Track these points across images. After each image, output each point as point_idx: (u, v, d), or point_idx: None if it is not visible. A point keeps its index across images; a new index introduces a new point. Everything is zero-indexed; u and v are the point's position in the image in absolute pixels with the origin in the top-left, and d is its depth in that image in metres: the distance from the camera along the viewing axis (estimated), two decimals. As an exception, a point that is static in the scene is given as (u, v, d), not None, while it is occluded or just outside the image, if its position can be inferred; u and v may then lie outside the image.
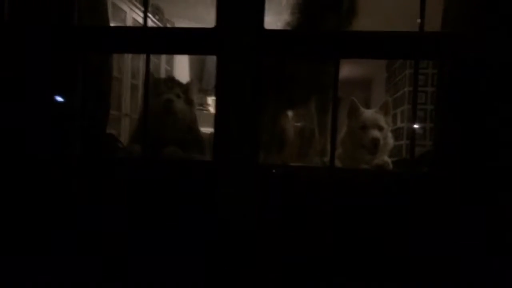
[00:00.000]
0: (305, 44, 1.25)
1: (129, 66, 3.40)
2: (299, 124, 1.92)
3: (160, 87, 1.73)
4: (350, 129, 1.63)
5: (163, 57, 4.06)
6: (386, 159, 1.52)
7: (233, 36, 1.23)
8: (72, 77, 1.32)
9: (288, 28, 1.45)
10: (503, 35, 1.16)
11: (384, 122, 1.61)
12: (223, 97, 1.25)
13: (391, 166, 1.50)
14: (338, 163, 1.53)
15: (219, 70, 1.25)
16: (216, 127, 1.26)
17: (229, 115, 1.25)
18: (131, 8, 3.49)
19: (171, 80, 1.79)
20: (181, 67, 4.45)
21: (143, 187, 1.29)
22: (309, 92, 1.54)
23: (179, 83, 1.79)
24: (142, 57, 3.63)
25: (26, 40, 1.27)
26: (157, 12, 3.92)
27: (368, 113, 1.63)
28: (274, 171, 1.31)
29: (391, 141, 1.67)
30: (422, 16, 1.19)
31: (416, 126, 1.32)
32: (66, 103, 1.39)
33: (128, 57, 3.37)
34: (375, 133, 1.57)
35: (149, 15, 3.79)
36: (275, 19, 1.39)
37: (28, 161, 1.29)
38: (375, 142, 1.55)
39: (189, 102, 1.78)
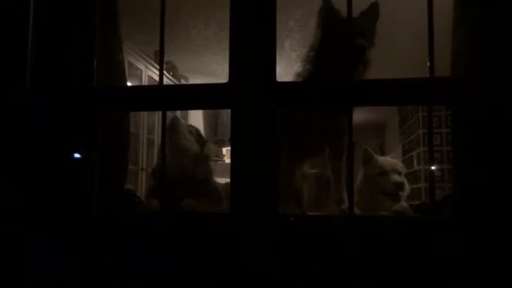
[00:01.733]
0: (318, 94, 1.27)
1: (145, 122, 3.48)
2: (314, 171, 1.92)
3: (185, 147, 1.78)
4: (366, 177, 1.63)
5: (178, 112, 4.16)
6: (405, 205, 1.50)
7: (246, 90, 1.26)
8: (91, 136, 1.35)
9: (299, 79, 1.48)
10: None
11: (402, 167, 1.62)
12: (238, 149, 1.27)
13: (410, 211, 1.47)
14: (356, 211, 1.50)
15: (233, 123, 1.28)
16: (232, 179, 1.27)
17: (245, 166, 1.26)
18: (146, 67, 3.63)
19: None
20: (196, 119, 4.55)
21: (162, 242, 1.29)
22: (323, 141, 1.54)
23: (198, 131, 1.85)
24: (158, 112, 3.74)
25: (46, 104, 1.33)
26: (172, 68, 4.06)
27: (385, 159, 1.64)
28: (291, 219, 1.29)
29: (407, 186, 1.66)
30: (431, 61, 1.20)
31: (433, 168, 1.31)
32: (86, 161, 1.42)
33: (143, 113, 3.47)
34: (397, 177, 1.57)
35: (164, 72, 3.93)
36: (286, 71, 1.43)
37: (49, 219, 1.31)
38: (399, 186, 1.54)
39: (205, 157, 1.82)
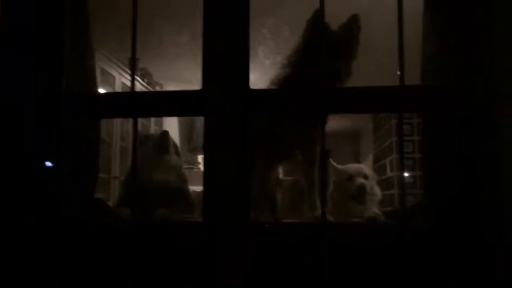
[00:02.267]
0: (291, 102, 1.27)
1: (118, 129, 3.42)
2: (289, 178, 1.92)
3: (152, 138, 1.74)
4: (336, 184, 1.70)
5: (152, 119, 4.11)
6: (377, 211, 1.51)
7: (219, 97, 1.25)
8: (59, 143, 1.32)
9: (273, 86, 1.48)
10: (479, 86, 1.20)
11: (369, 172, 1.68)
12: (211, 156, 1.26)
13: (382, 218, 1.49)
14: (329, 217, 1.51)
15: (206, 130, 1.26)
16: (205, 187, 1.25)
17: (218, 174, 1.25)
18: (120, 73, 3.58)
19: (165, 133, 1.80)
20: (170, 127, 4.50)
21: (132, 251, 1.26)
22: (295, 147, 1.55)
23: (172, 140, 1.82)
24: (131, 120, 3.68)
25: (13, 110, 1.29)
26: (146, 75, 4.02)
27: (352, 165, 1.72)
28: (267, 225, 1.29)
29: (378, 192, 1.72)
30: (401, 69, 1.22)
31: (406, 174, 1.32)
32: (54, 168, 1.38)
33: (117, 120, 3.41)
34: (361, 180, 1.64)
35: (138, 78, 3.88)
36: (259, 78, 1.43)
37: (15, 226, 1.26)
38: (362, 188, 1.61)
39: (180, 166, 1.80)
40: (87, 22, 1.49)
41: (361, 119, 6.41)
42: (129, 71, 3.67)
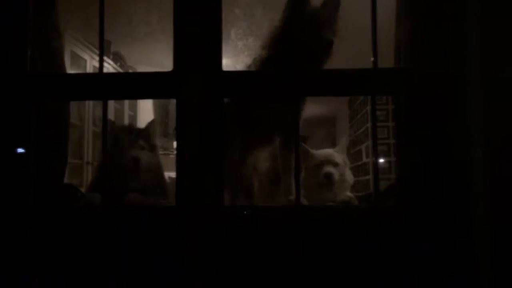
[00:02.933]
0: (264, 84, 1.26)
1: (90, 113, 3.34)
2: (267, 164, 1.91)
3: (122, 139, 1.68)
4: (306, 170, 1.67)
5: (126, 103, 4.03)
6: (350, 194, 1.52)
7: (191, 79, 1.22)
8: (25, 126, 1.27)
9: (255, 66, 1.46)
10: (452, 70, 1.20)
11: (340, 159, 1.66)
12: (183, 140, 1.23)
13: (356, 201, 1.50)
14: (303, 201, 1.51)
15: (178, 112, 1.24)
16: (178, 170, 1.23)
17: (191, 158, 1.22)
18: (91, 56, 3.48)
19: (131, 130, 1.74)
20: (145, 113, 4.43)
21: (103, 237, 1.23)
22: (274, 131, 1.53)
23: (139, 131, 1.75)
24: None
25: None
26: (119, 59, 3.92)
27: (322, 152, 1.69)
28: (245, 212, 1.28)
29: (350, 177, 1.71)
30: (374, 53, 1.22)
31: (380, 160, 1.33)
32: (20, 153, 1.33)
33: (89, 104, 3.32)
34: (329, 168, 1.61)
35: (111, 62, 3.79)
36: (232, 60, 1.40)
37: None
38: (329, 176, 1.59)
39: (152, 148, 1.75)
40: (53, 1, 1.43)
41: (337, 105, 6.45)
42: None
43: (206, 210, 1.21)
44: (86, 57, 3.41)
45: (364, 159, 5.07)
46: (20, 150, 1.28)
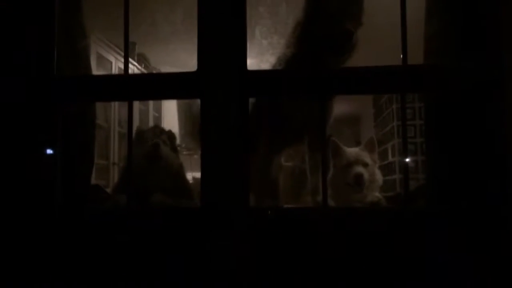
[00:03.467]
0: (290, 83, 1.23)
1: (116, 115, 3.38)
2: (289, 164, 1.89)
3: (146, 135, 1.71)
4: (335, 169, 1.62)
5: (151, 104, 4.06)
6: (379, 195, 1.48)
7: (215, 79, 1.21)
8: (52, 128, 1.28)
9: (279, 64, 1.44)
10: (486, 64, 1.15)
11: (369, 158, 1.61)
12: (208, 140, 1.22)
13: (384, 202, 1.46)
14: (331, 203, 1.48)
15: (203, 113, 1.23)
16: (202, 172, 1.22)
17: (215, 158, 1.21)
18: (116, 58, 3.52)
19: (156, 127, 1.77)
20: (170, 113, 4.45)
21: (128, 237, 1.23)
22: (300, 131, 1.50)
23: (164, 130, 1.78)
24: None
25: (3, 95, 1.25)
26: (143, 60, 3.96)
27: (352, 151, 1.63)
28: (269, 212, 1.26)
29: (379, 177, 1.65)
30: (404, 49, 1.18)
31: (407, 160, 1.29)
32: (48, 154, 1.34)
33: (114, 105, 3.36)
34: (359, 169, 1.56)
35: (135, 63, 3.82)
36: (257, 59, 1.38)
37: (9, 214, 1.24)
38: (359, 178, 1.53)
39: (175, 149, 1.76)
40: (79, 2, 1.44)
41: (361, 104, 6.34)
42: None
43: (231, 212, 1.19)
44: (111, 58, 3.46)
45: (390, 158, 4.97)
46: (48, 151, 1.29)
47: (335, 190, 1.56)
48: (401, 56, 1.17)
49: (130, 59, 3.70)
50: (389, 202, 1.53)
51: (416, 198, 1.46)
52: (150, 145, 1.66)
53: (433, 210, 1.25)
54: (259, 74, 1.26)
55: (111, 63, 3.44)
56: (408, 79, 1.17)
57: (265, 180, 1.50)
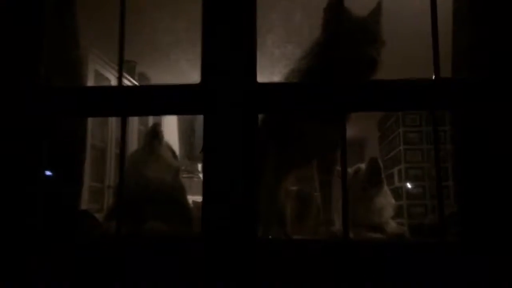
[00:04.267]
0: (305, 97, 1.09)
1: (112, 134, 3.23)
2: (295, 188, 1.73)
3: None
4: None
5: (151, 121, 3.90)
6: (402, 226, 1.31)
7: (221, 92, 1.07)
8: (35, 144, 1.13)
9: (294, 77, 1.29)
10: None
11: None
12: (212, 161, 1.07)
13: (408, 234, 1.29)
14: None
15: (206, 130, 1.08)
16: (204, 197, 1.06)
17: (220, 182, 1.06)
18: (115, 76, 3.40)
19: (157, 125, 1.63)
20: (170, 132, 4.30)
21: (117, 270, 1.07)
22: (312, 152, 1.34)
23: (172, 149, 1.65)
24: (130, 123, 3.48)
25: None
26: (144, 79, 3.84)
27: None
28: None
29: (390, 197, 1.56)
30: (435, 61, 1.04)
31: (408, 185, 1.14)
32: (30, 175, 1.18)
33: (111, 123, 3.22)
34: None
35: (136, 82, 3.70)
36: (269, 71, 1.24)
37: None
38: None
39: (174, 155, 1.62)
40: (72, 8, 1.31)
41: (366, 126, 6.21)
42: (126, 75, 3.49)
43: (237, 243, 1.03)
44: (110, 76, 3.33)
45: (397, 183, 4.81)
46: (29, 170, 1.14)
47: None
48: (431, 68, 1.03)
49: (130, 78, 3.59)
50: (412, 234, 1.36)
51: (445, 229, 1.30)
52: (151, 126, 1.57)
53: (469, 242, 1.09)
54: (270, 87, 1.12)
55: (109, 81, 3.31)
56: (440, 95, 1.03)
57: (273, 207, 1.34)
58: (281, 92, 1.11)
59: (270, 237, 1.28)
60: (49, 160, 1.16)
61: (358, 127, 6.07)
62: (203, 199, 1.07)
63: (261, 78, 1.09)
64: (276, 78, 1.24)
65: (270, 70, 1.22)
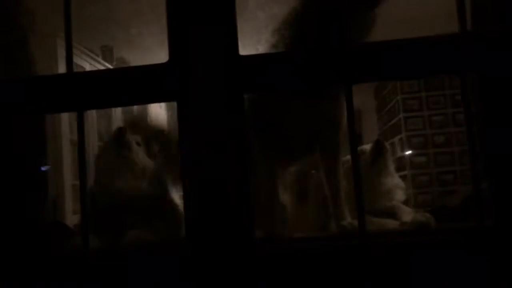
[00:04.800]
0: (300, 70, 0.87)
1: (94, 127, 2.99)
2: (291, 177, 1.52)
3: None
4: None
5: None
6: (427, 214, 1.11)
7: (195, 71, 0.85)
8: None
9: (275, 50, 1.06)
10: None
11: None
12: (190, 155, 0.87)
13: (434, 223, 1.09)
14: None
15: (181, 119, 0.87)
16: (186, 196, 0.87)
17: (202, 178, 0.86)
18: (91, 64, 3.14)
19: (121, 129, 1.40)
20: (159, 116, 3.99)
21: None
22: (312, 137, 1.12)
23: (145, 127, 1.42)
24: (113, 112, 3.22)
25: None
26: (122, 64, 3.58)
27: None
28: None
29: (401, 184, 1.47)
30: (461, 13, 0.82)
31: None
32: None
33: (92, 114, 2.97)
34: None
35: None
36: (252, 41, 1.01)
37: None
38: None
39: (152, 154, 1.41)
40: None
41: (361, 96, 6.00)
42: (101, 61, 3.23)
43: (226, 247, 0.85)
44: (84, 64, 3.08)
45: (399, 153, 4.63)
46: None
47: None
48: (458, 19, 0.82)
49: (107, 64, 3.33)
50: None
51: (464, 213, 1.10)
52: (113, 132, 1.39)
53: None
54: (255, 60, 0.90)
55: (84, 69, 3.06)
56: (471, 54, 0.82)
57: (270, 203, 1.13)
58: (270, 66, 0.89)
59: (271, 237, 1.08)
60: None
61: (354, 96, 5.85)
62: (184, 199, 0.88)
63: (245, 50, 0.87)
64: (262, 48, 1.01)
65: (254, 38, 0.99)
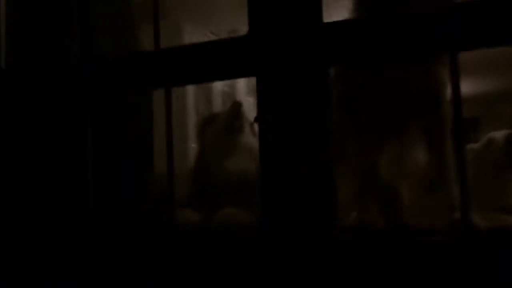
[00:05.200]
0: (392, 37, 0.75)
1: (191, 105, 2.87)
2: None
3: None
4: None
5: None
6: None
7: (275, 44, 0.80)
8: (81, 126, 1.00)
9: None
10: None
11: None
12: (269, 134, 0.82)
13: None
14: (476, 220, 0.93)
15: (260, 95, 0.83)
16: (263, 180, 0.83)
17: (282, 161, 0.81)
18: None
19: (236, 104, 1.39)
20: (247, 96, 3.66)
21: (186, 265, 0.89)
22: (410, 113, 0.95)
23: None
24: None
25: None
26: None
27: None
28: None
29: None
30: None
31: None
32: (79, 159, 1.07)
33: (189, 91, 2.88)
34: None
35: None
36: (336, 3, 0.90)
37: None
38: None
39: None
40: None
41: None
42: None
43: (311, 239, 0.79)
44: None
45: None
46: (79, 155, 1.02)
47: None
48: None
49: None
50: None
51: None
52: (229, 108, 1.36)
53: None
54: (342, 27, 0.80)
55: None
56: None
57: (370, 191, 1.01)
58: (358, 33, 0.78)
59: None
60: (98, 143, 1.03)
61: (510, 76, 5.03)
62: (261, 184, 0.83)
63: (329, 16, 0.78)
64: (345, 13, 0.90)
65: (339, 3, 0.88)
